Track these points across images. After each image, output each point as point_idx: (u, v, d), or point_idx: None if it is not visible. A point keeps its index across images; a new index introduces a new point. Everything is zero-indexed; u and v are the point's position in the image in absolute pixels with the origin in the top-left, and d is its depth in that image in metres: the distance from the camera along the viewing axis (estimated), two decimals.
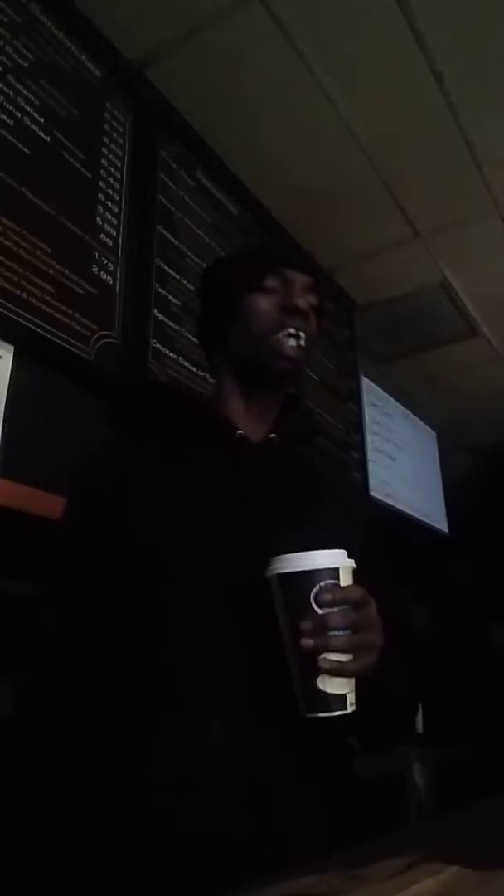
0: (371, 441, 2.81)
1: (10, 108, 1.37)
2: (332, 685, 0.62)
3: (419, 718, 2.62)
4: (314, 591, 0.62)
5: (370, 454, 2.75)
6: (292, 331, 0.84)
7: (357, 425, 2.70)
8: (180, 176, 1.88)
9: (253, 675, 0.71)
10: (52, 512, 1.24)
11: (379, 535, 0.96)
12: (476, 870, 0.51)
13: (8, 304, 1.26)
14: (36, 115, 1.43)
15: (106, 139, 1.64)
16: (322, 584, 0.63)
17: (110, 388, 1.48)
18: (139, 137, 1.74)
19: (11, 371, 1.29)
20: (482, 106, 1.87)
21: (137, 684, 0.73)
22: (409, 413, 3.39)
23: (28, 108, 1.42)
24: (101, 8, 1.62)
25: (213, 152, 2.02)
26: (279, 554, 0.66)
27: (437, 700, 2.74)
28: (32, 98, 1.43)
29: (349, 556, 0.66)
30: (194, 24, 1.66)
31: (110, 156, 1.64)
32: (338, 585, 0.64)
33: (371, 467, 2.72)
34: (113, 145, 1.66)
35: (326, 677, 0.62)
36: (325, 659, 0.61)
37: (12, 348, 1.30)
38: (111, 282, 1.55)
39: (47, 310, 1.35)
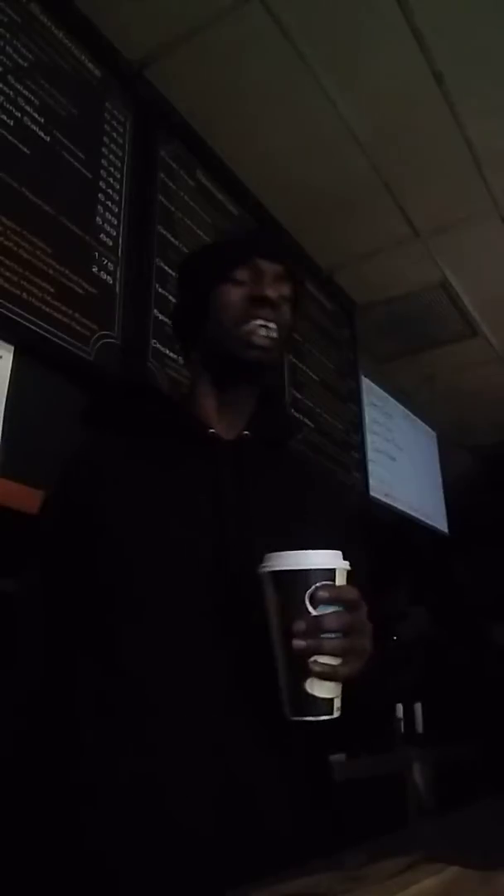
0: (371, 441, 2.81)
1: (10, 108, 1.37)
2: (321, 689, 0.61)
3: (419, 718, 2.62)
4: (309, 591, 0.61)
5: (370, 454, 2.75)
6: (261, 322, 0.82)
7: (357, 425, 2.70)
8: (180, 176, 1.88)
9: (228, 680, 0.70)
10: None
11: (362, 535, 0.94)
12: (476, 870, 0.51)
13: (8, 304, 1.27)
14: (36, 115, 1.43)
15: (106, 139, 1.64)
16: (317, 584, 0.61)
17: (106, 387, 1.48)
18: (139, 137, 1.74)
19: (11, 371, 1.29)
20: (482, 106, 1.87)
21: (110, 690, 0.72)
22: (409, 413, 3.39)
23: (28, 108, 1.42)
24: (101, 8, 1.62)
25: (213, 152, 2.02)
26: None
27: (436, 700, 2.74)
28: (32, 98, 1.43)
29: None
30: (194, 24, 1.66)
31: (110, 156, 1.64)
32: (334, 586, 0.62)
33: (371, 467, 2.72)
34: (113, 145, 1.66)
35: (315, 680, 0.60)
36: (316, 662, 0.60)
37: (12, 348, 1.30)
38: (111, 282, 1.55)
39: (47, 310, 1.35)
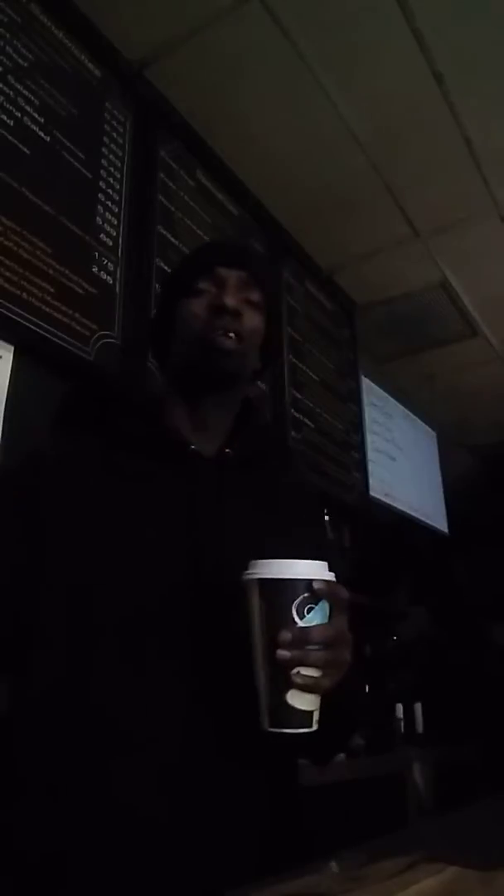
0: (371, 441, 2.81)
1: (10, 108, 1.37)
2: (302, 701, 0.59)
3: (419, 718, 2.62)
4: (297, 601, 0.59)
5: (370, 454, 2.75)
6: (221, 331, 0.81)
7: (357, 425, 2.70)
8: (180, 176, 1.88)
9: (190, 691, 0.69)
10: None
11: (331, 554, 0.89)
12: (476, 870, 0.51)
13: (8, 304, 1.27)
14: (36, 115, 1.43)
15: (106, 139, 1.64)
16: (304, 595, 0.60)
17: (112, 389, 1.48)
18: (139, 137, 1.74)
19: (11, 371, 1.29)
20: (482, 106, 1.87)
21: (62, 712, 0.69)
22: (409, 413, 3.39)
23: (28, 108, 1.42)
24: (101, 8, 1.62)
25: (213, 152, 2.02)
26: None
27: (436, 700, 2.74)
28: (32, 98, 1.43)
29: None
30: (194, 24, 1.66)
31: (110, 156, 1.64)
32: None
33: (371, 467, 2.72)
34: (113, 145, 1.66)
35: (297, 692, 0.59)
36: (299, 674, 0.58)
37: (12, 348, 1.30)
38: (111, 282, 1.55)
39: (47, 310, 1.35)
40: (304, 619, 0.59)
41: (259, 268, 0.90)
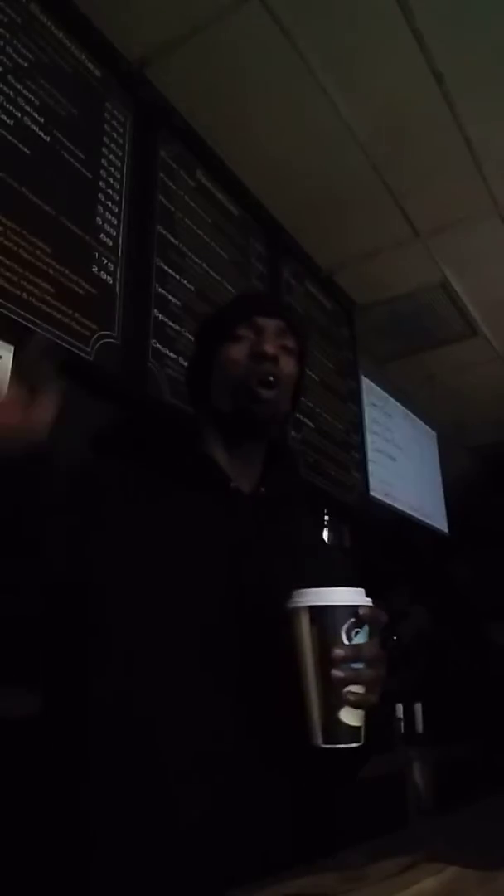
0: (371, 441, 2.81)
1: (10, 108, 1.37)
2: (352, 717, 0.64)
3: (419, 718, 2.62)
4: (346, 625, 0.65)
5: (370, 454, 2.75)
6: (261, 378, 0.86)
7: (357, 425, 2.69)
8: (180, 176, 1.88)
9: (232, 712, 0.73)
10: None
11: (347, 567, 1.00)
12: (476, 870, 0.51)
13: (8, 304, 1.26)
14: (36, 115, 1.43)
15: (106, 139, 1.64)
16: (352, 619, 0.66)
17: (112, 389, 1.49)
18: (139, 137, 1.74)
19: (11, 371, 1.28)
20: (482, 106, 1.87)
21: (118, 718, 0.72)
22: (409, 413, 3.39)
23: (28, 108, 1.42)
24: (101, 8, 1.62)
25: (213, 152, 2.02)
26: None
27: (436, 700, 2.74)
28: (32, 98, 1.43)
29: None
30: (194, 24, 1.66)
31: (110, 156, 1.64)
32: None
33: (371, 467, 2.72)
34: (113, 145, 1.66)
35: (347, 709, 0.64)
36: (350, 691, 0.64)
37: (12, 348, 1.30)
38: (111, 282, 1.55)
39: (47, 310, 1.35)
40: (352, 642, 0.66)
41: (294, 318, 0.98)
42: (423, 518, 3.23)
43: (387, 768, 2.14)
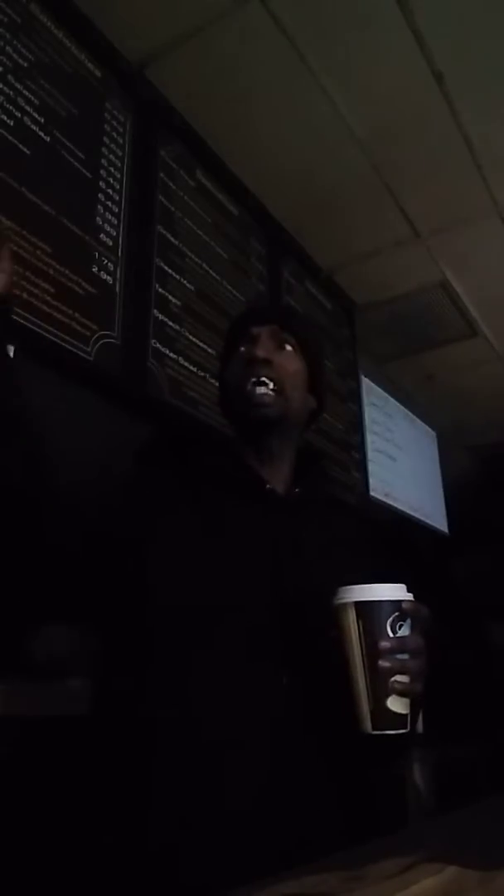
0: (371, 441, 2.81)
1: (10, 108, 1.37)
2: (399, 705, 0.69)
3: (419, 718, 2.62)
4: (391, 619, 0.70)
5: (370, 454, 2.75)
6: (254, 379, 0.91)
7: (357, 425, 2.70)
8: (180, 176, 1.88)
9: (286, 699, 0.78)
10: None
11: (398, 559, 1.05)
12: (476, 870, 0.51)
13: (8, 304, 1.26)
14: (36, 115, 1.43)
15: (106, 139, 1.64)
16: (396, 613, 0.70)
17: (112, 389, 1.49)
18: (139, 137, 1.74)
19: None
20: (482, 106, 1.87)
21: (181, 705, 0.78)
22: (409, 413, 3.39)
23: (28, 108, 1.42)
24: (101, 8, 1.62)
25: (213, 152, 2.01)
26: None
27: (436, 700, 2.74)
28: (32, 98, 1.43)
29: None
30: (194, 24, 1.66)
31: (110, 156, 1.64)
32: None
33: (371, 467, 2.72)
34: (113, 145, 1.66)
35: (395, 697, 0.68)
36: (396, 680, 0.68)
37: (12, 348, 1.30)
38: (111, 282, 1.55)
39: (47, 310, 1.35)
40: (397, 634, 0.70)
41: (290, 317, 1.02)
42: (423, 518, 3.23)
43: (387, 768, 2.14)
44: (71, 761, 0.85)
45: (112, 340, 1.51)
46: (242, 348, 0.96)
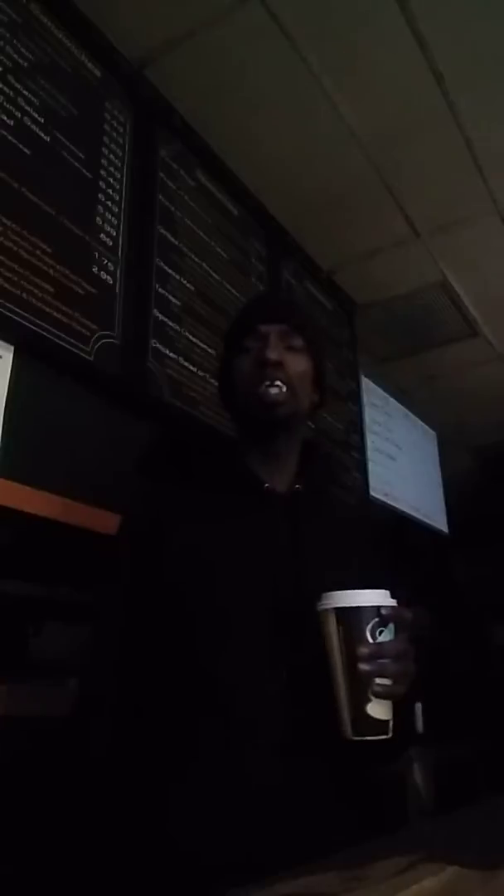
0: (371, 441, 2.81)
1: (10, 108, 1.37)
2: (379, 711, 0.69)
3: (419, 718, 2.62)
4: (370, 625, 0.70)
5: (370, 454, 2.75)
6: (267, 382, 0.92)
7: (357, 425, 2.69)
8: (180, 176, 1.88)
9: (285, 700, 0.80)
10: (50, 512, 1.24)
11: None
12: (476, 870, 0.51)
13: (8, 304, 1.26)
14: (36, 115, 1.43)
15: (106, 139, 1.64)
16: (375, 619, 0.71)
17: (112, 389, 1.49)
18: (139, 137, 1.74)
19: (11, 371, 1.29)
20: (482, 106, 1.87)
21: (194, 702, 0.81)
22: (409, 413, 3.39)
23: (28, 108, 1.42)
24: (102, 8, 1.62)
25: (213, 152, 2.01)
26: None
27: (436, 700, 2.74)
28: (32, 98, 1.43)
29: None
30: (194, 24, 1.66)
31: (110, 156, 1.64)
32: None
33: (371, 467, 2.72)
34: (113, 145, 1.66)
35: (374, 703, 0.69)
36: (377, 683, 0.69)
37: (12, 348, 1.30)
38: (111, 282, 1.55)
39: (47, 310, 1.35)
40: (377, 640, 0.70)
41: (298, 316, 1.02)
42: (423, 518, 3.23)
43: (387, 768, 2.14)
44: (71, 761, 0.85)
45: (112, 340, 1.51)
46: (250, 345, 0.96)
